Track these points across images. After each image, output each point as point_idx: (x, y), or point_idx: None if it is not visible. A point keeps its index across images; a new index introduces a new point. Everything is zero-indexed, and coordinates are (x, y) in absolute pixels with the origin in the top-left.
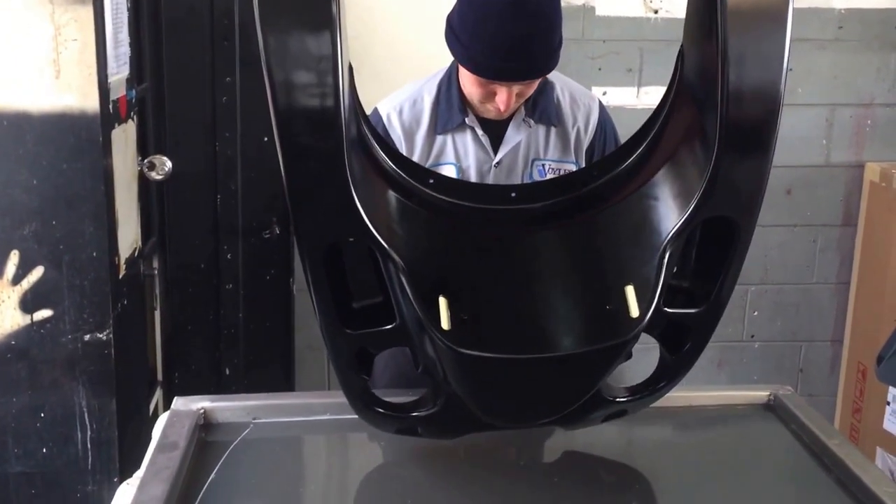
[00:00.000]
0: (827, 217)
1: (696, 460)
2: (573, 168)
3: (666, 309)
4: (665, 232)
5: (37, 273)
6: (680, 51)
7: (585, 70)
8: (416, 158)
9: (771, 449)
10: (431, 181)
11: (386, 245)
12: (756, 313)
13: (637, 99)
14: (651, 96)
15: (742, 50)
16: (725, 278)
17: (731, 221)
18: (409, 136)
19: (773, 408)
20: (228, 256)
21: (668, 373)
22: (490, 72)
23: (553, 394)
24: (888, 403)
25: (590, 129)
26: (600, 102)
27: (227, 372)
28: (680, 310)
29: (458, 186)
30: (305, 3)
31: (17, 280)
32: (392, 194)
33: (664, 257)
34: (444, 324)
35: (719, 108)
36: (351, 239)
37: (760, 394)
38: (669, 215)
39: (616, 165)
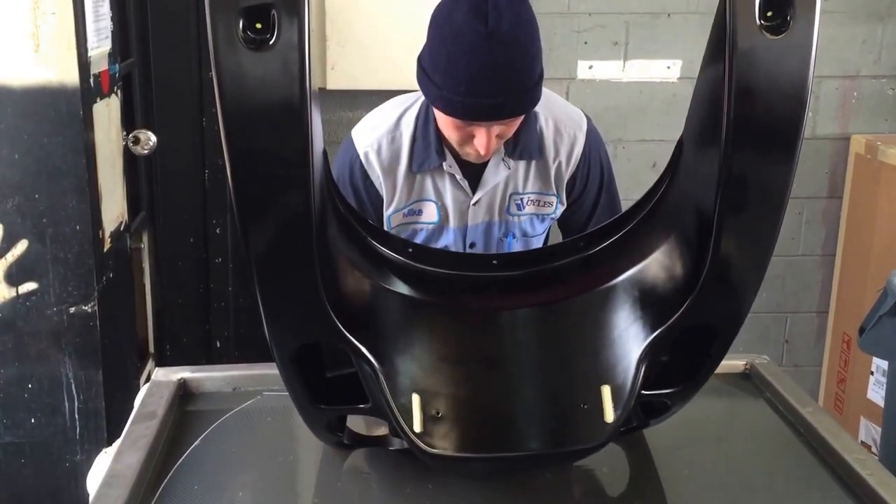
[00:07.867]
0: (812, 189)
1: (671, 428)
2: (553, 199)
3: (643, 391)
4: (646, 333)
5: (21, 246)
6: (679, 140)
7: (571, 43)
8: (397, 196)
9: (745, 417)
10: (410, 250)
11: (363, 348)
12: None
13: (623, 72)
14: (637, 70)
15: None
16: (708, 364)
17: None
18: (390, 174)
19: (749, 377)
20: (217, 231)
21: (639, 422)
22: (465, 112)
23: (522, 473)
24: (872, 373)
25: (572, 162)
26: (589, 126)
27: (218, 345)
28: (657, 391)
29: (438, 255)
30: None
31: (1, 253)
32: (366, 281)
33: (642, 363)
34: (416, 425)
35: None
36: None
37: (737, 363)
38: (653, 314)
39: (603, 240)
